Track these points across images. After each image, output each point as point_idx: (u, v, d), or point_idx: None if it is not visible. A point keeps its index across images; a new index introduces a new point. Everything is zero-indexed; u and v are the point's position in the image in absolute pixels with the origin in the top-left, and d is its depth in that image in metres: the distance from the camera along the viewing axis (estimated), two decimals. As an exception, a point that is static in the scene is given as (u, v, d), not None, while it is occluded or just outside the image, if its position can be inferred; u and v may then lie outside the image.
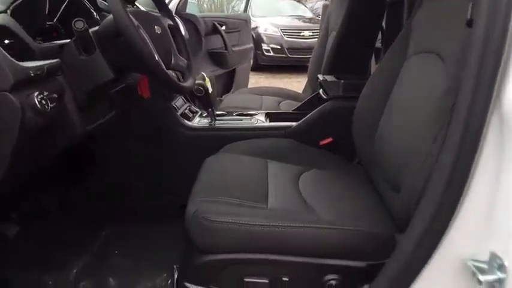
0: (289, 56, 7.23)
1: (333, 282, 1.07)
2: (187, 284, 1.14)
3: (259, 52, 7.17)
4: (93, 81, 1.24)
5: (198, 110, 1.96)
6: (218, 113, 1.91)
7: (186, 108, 1.90)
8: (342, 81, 1.76)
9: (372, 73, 1.76)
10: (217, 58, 3.11)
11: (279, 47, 7.25)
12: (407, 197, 1.05)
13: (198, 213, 1.10)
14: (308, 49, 5.50)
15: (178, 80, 1.47)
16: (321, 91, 1.86)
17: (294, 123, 1.78)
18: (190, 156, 1.65)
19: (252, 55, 3.84)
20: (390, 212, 1.21)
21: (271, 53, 7.29)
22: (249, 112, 1.94)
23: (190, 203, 1.20)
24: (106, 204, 1.79)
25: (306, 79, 2.78)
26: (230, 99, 2.45)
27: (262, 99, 2.39)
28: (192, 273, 1.14)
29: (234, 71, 3.34)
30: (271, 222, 1.05)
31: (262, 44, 7.25)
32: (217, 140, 1.68)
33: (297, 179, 1.40)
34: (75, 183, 1.76)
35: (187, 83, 1.48)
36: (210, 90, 1.74)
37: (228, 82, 3.30)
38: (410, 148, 1.09)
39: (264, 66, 7.16)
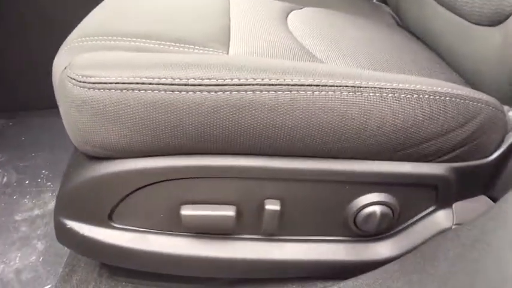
0: None
1: (376, 209, 0.48)
2: (65, 221, 0.55)
3: None
4: None
5: None
6: None
7: None
8: None
9: None
10: None
11: None
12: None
13: (67, 71, 0.47)
14: None
15: None
16: None
17: None
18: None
19: None
20: (476, 68, 0.60)
21: None
22: None
23: (59, 52, 0.56)
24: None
25: None
26: None
27: None
28: (72, 201, 0.54)
29: None
30: (240, 78, 0.42)
31: None
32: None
33: (284, 18, 0.76)
34: None
35: None
36: None
37: None
38: None
39: None
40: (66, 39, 0.59)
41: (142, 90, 0.42)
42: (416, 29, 0.85)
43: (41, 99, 1.18)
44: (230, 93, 0.41)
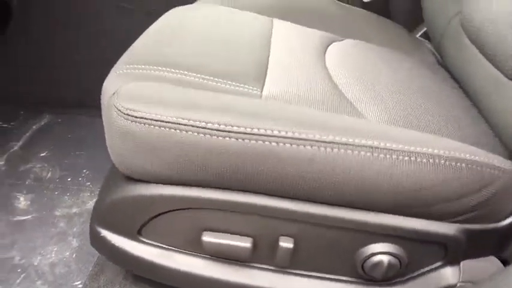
0: None
1: (384, 258, 0.51)
2: (99, 230, 0.60)
3: None
4: None
5: None
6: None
7: None
8: None
9: None
10: None
11: None
12: None
13: (114, 100, 0.52)
14: None
15: None
16: None
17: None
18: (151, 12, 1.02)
19: None
20: (507, 123, 0.61)
21: None
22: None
23: (109, 76, 0.62)
24: (35, 83, 1.24)
25: None
26: None
27: None
28: (107, 213, 0.59)
29: None
30: (266, 128, 0.46)
31: None
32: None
33: (323, 52, 0.79)
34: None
35: None
36: None
37: None
38: None
39: None
40: (117, 64, 0.64)
41: (178, 130, 0.47)
42: (455, 70, 0.86)
43: (91, 99, 1.26)
44: (256, 142, 0.45)
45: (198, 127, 0.46)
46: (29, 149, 1.10)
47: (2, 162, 1.05)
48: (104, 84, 0.62)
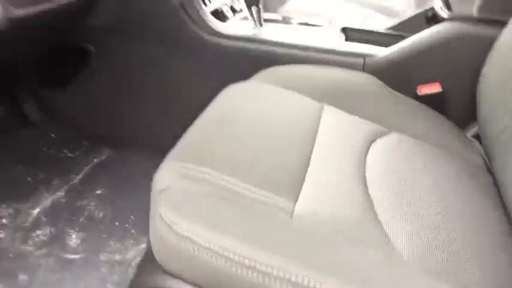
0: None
1: None
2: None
3: None
4: None
5: (243, 9, 1.35)
6: (270, 17, 1.29)
7: (224, 4, 1.29)
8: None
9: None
10: None
11: None
12: None
13: (161, 205, 0.59)
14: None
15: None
16: (438, 4, 1.14)
17: (381, 50, 1.11)
18: (213, 77, 1.10)
19: None
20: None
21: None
22: (315, 23, 1.28)
23: (160, 168, 0.69)
24: (101, 119, 1.36)
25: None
26: (297, 3, 1.77)
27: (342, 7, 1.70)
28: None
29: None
30: (282, 270, 0.50)
31: None
32: (256, 59, 1.11)
33: (366, 150, 0.81)
34: (62, 88, 1.32)
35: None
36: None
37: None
38: None
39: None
40: (168, 156, 0.71)
41: (208, 255, 0.52)
42: (498, 180, 0.85)
43: (149, 139, 1.35)
44: (274, 283, 0.49)
45: (226, 257, 0.51)
46: (88, 183, 1.21)
47: (62, 194, 1.16)
48: (155, 176, 0.68)
